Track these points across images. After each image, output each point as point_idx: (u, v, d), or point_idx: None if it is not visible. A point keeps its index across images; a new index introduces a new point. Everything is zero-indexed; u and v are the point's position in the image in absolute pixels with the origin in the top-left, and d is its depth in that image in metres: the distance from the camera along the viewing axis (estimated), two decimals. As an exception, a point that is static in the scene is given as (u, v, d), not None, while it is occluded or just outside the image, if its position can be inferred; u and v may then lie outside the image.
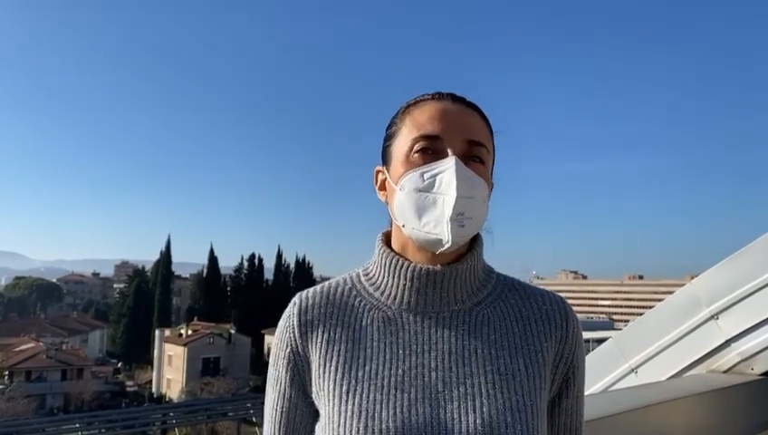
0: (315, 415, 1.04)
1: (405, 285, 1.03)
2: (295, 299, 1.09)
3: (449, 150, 0.98)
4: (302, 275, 68.70)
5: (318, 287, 1.10)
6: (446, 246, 0.96)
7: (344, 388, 0.97)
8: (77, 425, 26.44)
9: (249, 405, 28.32)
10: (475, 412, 0.93)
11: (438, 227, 0.96)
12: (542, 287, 1.12)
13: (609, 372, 3.45)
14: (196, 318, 59.61)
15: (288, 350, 1.05)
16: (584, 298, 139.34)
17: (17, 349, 49.12)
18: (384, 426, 0.92)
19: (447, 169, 0.96)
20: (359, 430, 0.92)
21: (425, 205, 0.97)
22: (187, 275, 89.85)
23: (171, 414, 30.12)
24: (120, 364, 62.71)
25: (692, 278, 3.42)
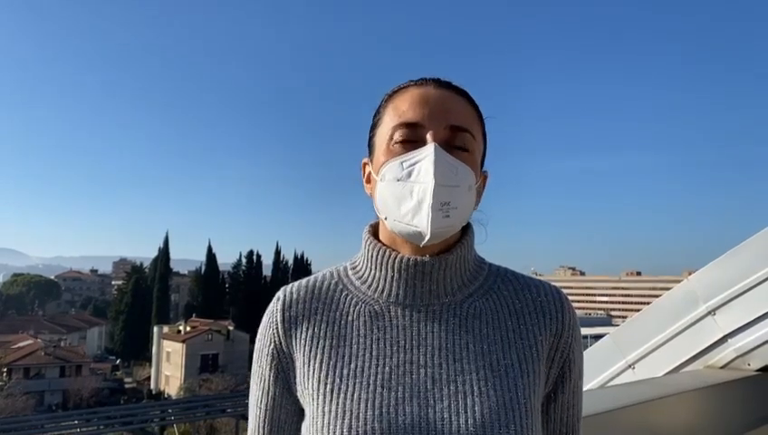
0: (300, 413, 1.00)
1: (393, 277, 0.98)
2: (279, 294, 1.05)
3: (429, 137, 0.94)
4: (301, 272, 68.57)
5: (303, 281, 1.06)
6: (427, 239, 0.91)
7: (328, 387, 0.93)
8: (76, 422, 26.44)
9: (248, 402, 28.16)
10: (466, 412, 0.89)
11: (417, 218, 0.91)
12: (537, 278, 1.07)
13: (607, 367, 3.46)
14: (194, 315, 59.66)
15: (272, 346, 1.02)
16: (582, 294, 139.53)
17: (15, 346, 49.07)
18: (369, 427, 0.88)
19: (426, 157, 0.92)
20: (342, 431, 0.88)
21: (403, 195, 0.93)
22: (186, 272, 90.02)
23: (170, 411, 30.12)
24: (118, 361, 62.63)
25: (690, 275, 3.42)
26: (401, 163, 0.94)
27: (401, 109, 0.98)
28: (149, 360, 55.32)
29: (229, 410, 28.85)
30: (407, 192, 0.93)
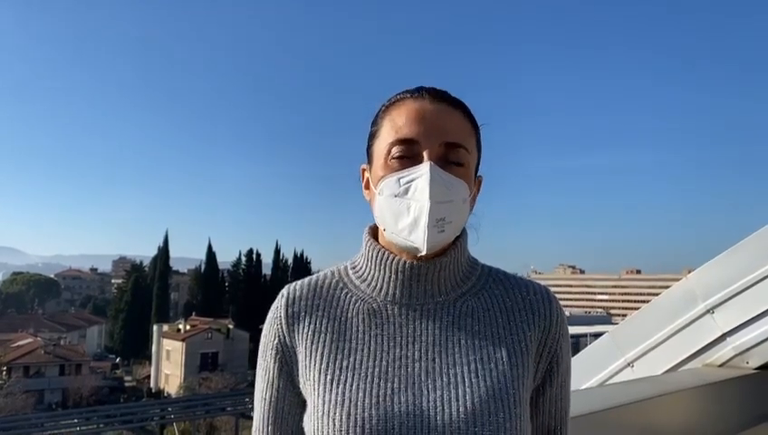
0: (303, 405, 1.06)
1: (390, 277, 1.04)
2: (283, 291, 1.11)
3: (425, 155, 0.99)
4: (301, 270, 68.60)
5: (306, 280, 1.12)
6: (423, 254, 0.98)
7: (329, 377, 0.99)
8: (75, 420, 26.45)
9: (248, 400, 28.26)
10: (457, 401, 0.94)
11: (413, 234, 0.98)
12: (527, 278, 1.13)
13: (606, 366, 3.46)
14: (194, 313, 59.71)
15: (276, 341, 1.07)
16: (582, 293, 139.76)
17: (15, 344, 49.12)
18: (366, 414, 0.94)
19: (422, 175, 0.97)
20: (341, 417, 0.94)
21: (401, 211, 0.99)
22: (185, 271, 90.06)
23: (169, 409, 30.13)
24: (118, 360, 62.71)
25: (690, 273, 3.43)
26: (398, 179, 0.99)
27: (398, 124, 1.02)
28: (149, 358, 55.37)
29: (229, 409, 28.86)
30: (404, 208, 0.98)
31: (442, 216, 0.97)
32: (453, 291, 1.06)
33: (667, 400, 2.56)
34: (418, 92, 1.05)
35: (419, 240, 0.97)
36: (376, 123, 1.08)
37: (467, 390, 0.96)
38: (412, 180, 0.98)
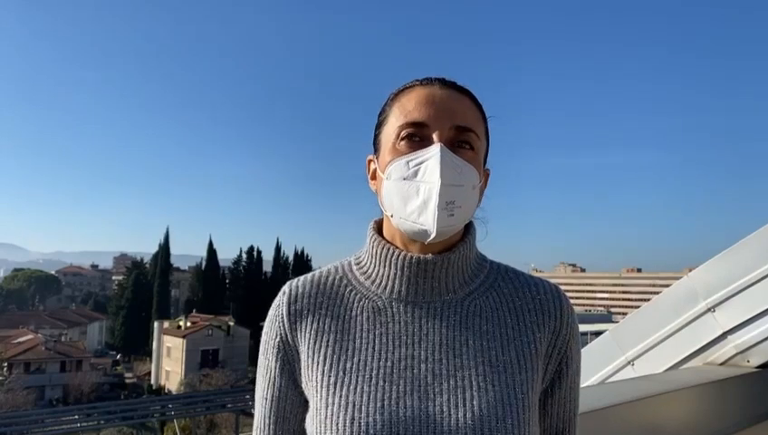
0: (305, 404, 1.02)
1: (395, 274, 1.00)
2: (285, 288, 1.07)
3: (435, 137, 0.96)
4: (301, 268, 68.58)
5: (308, 276, 1.08)
6: (432, 237, 0.94)
7: (332, 379, 0.95)
8: (76, 416, 26.45)
9: (248, 397, 28.25)
10: (465, 405, 0.91)
11: (422, 216, 0.93)
12: (537, 276, 1.08)
13: (607, 364, 3.46)
14: (194, 310, 59.75)
15: (278, 339, 1.04)
16: (582, 291, 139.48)
17: (16, 341, 49.13)
18: (371, 419, 0.90)
19: (432, 156, 0.93)
20: (345, 422, 0.90)
21: (409, 194, 0.95)
22: (186, 268, 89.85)
23: (170, 406, 30.11)
24: (118, 356, 62.79)
25: (690, 271, 3.43)
26: (407, 162, 0.96)
27: (407, 108, 0.99)
28: (150, 355, 55.43)
29: (229, 406, 28.86)
30: (413, 191, 0.94)
31: (452, 199, 0.93)
32: (461, 289, 1.01)
33: (667, 398, 2.56)
34: (428, 80, 1.02)
35: (429, 222, 0.93)
36: (384, 111, 1.05)
37: (475, 394, 0.92)
38: (422, 162, 0.94)
